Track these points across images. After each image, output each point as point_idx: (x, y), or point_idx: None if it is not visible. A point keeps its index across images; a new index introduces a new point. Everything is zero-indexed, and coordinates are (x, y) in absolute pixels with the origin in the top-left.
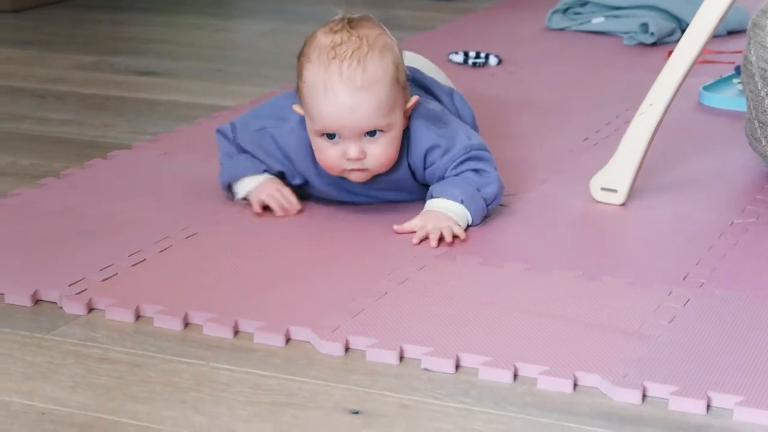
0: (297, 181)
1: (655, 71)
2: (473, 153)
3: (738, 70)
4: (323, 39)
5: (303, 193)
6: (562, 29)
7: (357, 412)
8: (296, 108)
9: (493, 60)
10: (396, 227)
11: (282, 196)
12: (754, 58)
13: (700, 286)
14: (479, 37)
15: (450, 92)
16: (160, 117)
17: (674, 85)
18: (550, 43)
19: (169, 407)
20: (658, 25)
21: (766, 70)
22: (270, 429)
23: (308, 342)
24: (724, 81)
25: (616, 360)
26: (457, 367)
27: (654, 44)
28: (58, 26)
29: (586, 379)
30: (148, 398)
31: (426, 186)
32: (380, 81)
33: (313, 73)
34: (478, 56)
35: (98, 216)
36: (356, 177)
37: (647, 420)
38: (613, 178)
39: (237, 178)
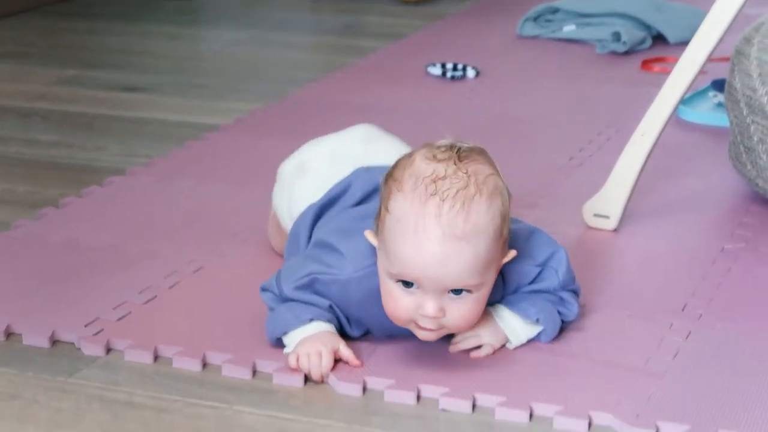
0: (355, 332)
1: (629, 82)
2: (563, 292)
3: (714, 85)
4: (423, 167)
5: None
6: (534, 37)
7: None
8: (369, 236)
9: (470, 72)
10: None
11: (318, 361)
12: (738, 85)
13: (699, 318)
14: (452, 45)
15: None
16: (150, 138)
17: (665, 116)
18: (524, 53)
19: None
20: (630, 33)
21: (751, 98)
22: None
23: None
24: (700, 94)
25: (627, 399)
26: (474, 407)
27: (626, 53)
28: (35, 36)
29: (600, 419)
30: None
31: None
32: (483, 233)
33: (404, 206)
34: (455, 68)
35: (103, 249)
36: (425, 336)
37: None
38: (606, 204)
39: (278, 335)
